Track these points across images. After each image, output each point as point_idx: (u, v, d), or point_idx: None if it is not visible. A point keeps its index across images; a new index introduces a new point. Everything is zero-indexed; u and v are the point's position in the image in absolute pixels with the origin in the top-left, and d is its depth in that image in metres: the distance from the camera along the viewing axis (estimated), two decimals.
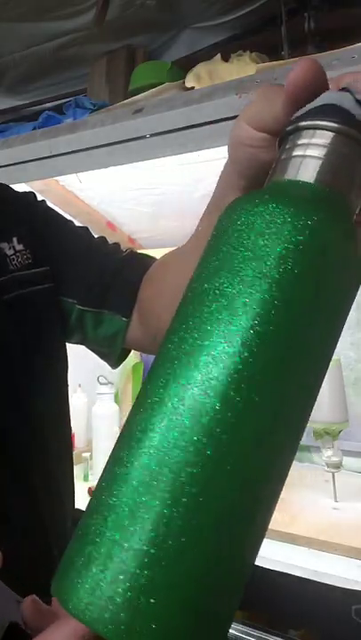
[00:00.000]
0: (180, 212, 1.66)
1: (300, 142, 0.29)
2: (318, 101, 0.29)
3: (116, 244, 0.76)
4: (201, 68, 1.24)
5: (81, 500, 1.43)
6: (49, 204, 0.77)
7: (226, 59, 1.25)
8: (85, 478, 1.53)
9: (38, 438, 0.65)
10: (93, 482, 1.50)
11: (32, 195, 0.76)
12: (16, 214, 0.70)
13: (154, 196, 1.62)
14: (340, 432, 1.24)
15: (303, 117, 0.30)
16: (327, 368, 0.27)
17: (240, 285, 0.25)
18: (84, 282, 0.69)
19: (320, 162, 0.28)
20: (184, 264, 0.43)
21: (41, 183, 1.56)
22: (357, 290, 0.29)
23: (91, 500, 0.25)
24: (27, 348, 0.64)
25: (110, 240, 1.89)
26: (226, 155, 0.41)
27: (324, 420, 1.24)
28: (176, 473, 0.22)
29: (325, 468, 1.25)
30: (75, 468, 0.78)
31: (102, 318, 0.68)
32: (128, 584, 0.21)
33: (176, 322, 0.27)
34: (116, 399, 1.73)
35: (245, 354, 0.23)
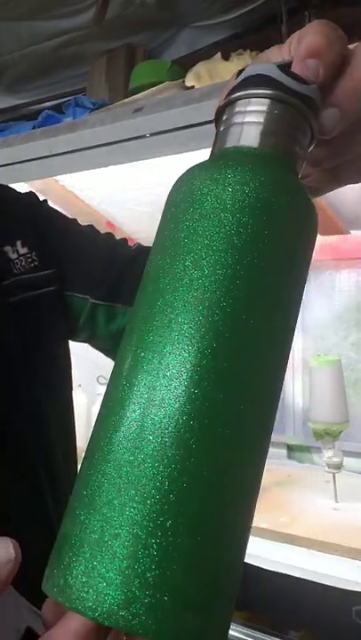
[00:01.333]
0: None
1: (236, 111, 0.30)
2: (248, 72, 0.31)
3: (124, 240, 0.76)
4: (201, 67, 1.24)
5: None
6: (50, 204, 0.77)
7: (226, 57, 1.25)
8: None
9: (40, 438, 0.65)
10: None
11: (33, 195, 0.75)
12: (17, 215, 0.69)
13: (154, 196, 1.61)
14: (340, 433, 1.24)
15: (236, 89, 0.31)
16: (289, 344, 0.27)
17: (189, 262, 0.25)
18: (93, 277, 0.69)
19: (258, 126, 0.29)
20: None
21: (41, 183, 1.56)
22: (313, 246, 0.29)
23: (72, 494, 0.24)
24: (28, 350, 0.64)
25: None
26: None
27: (325, 420, 1.24)
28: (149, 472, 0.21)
29: (326, 469, 1.25)
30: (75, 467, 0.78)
31: (115, 312, 0.69)
32: (119, 574, 0.20)
33: (136, 310, 0.26)
34: None
35: (202, 344, 0.23)
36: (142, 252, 0.72)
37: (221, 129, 0.31)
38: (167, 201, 0.29)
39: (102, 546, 0.20)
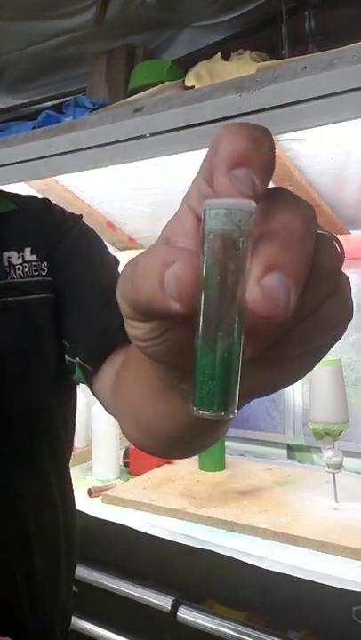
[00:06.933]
0: None
1: None
2: None
3: None
4: (201, 67, 1.24)
5: (81, 500, 1.43)
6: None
7: (226, 57, 1.25)
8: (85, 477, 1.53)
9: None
10: (93, 482, 1.49)
11: (68, 215, 0.74)
12: (32, 225, 0.70)
13: (154, 196, 1.61)
14: (340, 432, 1.24)
15: None
16: None
17: None
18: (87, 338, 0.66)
19: None
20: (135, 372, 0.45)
21: (41, 182, 1.56)
22: None
23: None
24: (19, 350, 0.65)
25: (110, 240, 1.90)
26: None
27: (325, 420, 1.24)
28: None
29: (326, 469, 1.25)
30: (74, 468, 0.79)
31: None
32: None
33: None
34: None
35: None
36: None
37: None
38: None
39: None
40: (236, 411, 0.25)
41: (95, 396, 0.64)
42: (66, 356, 0.66)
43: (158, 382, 0.35)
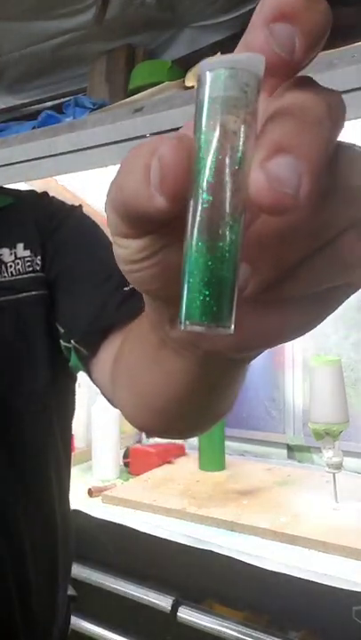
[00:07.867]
0: None
1: None
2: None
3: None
4: None
5: (81, 500, 1.42)
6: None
7: None
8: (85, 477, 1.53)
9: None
10: (93, 482, 1.49)
11: (67, 207, 0.71)
12: (25, 218, 0.68)
13: None
14: (340, 432, 1.24)
15: None
16: None
17: None
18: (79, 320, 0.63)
19: None
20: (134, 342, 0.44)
21: (41, 183, 1.56)
22: None
23: None
24: (12, 352, 0.63)
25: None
26: None
27: (325, 420, 1.23)
28: None
29: (326, 469, 1.25)
30: (74, 468, 0.78)
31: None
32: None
33: None
34: None
35: None
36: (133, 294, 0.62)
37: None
38: None
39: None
40: (233, 326, 0.20)
41: (94, 382, 0.62)
42: (61, 342, 0.63)
43: (152, 335, 0.34)
